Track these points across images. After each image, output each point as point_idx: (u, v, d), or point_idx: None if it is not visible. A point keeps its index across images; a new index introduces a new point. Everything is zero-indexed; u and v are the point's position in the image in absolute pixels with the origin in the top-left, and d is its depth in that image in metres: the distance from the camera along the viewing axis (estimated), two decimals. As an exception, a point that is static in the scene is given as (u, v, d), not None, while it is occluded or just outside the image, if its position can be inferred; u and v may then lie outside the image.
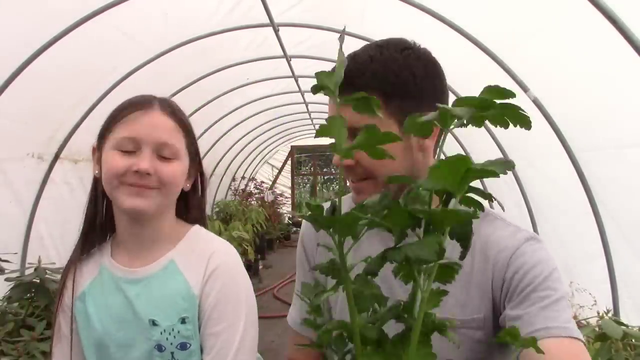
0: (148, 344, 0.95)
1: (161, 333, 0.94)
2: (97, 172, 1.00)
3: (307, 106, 7.20)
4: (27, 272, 2.40)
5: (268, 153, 11.65)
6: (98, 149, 1.00)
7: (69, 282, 1.03)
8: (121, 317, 0.98)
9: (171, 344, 0.94)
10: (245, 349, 0.94)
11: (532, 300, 0.78)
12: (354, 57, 0.85)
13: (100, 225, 1.07)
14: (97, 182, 1.03)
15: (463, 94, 3.84)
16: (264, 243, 8.52)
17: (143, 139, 0.93)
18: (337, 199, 0.51)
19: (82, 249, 1.05)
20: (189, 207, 1.09)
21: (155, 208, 0.96)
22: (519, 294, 0.79)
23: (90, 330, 0.99)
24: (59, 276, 2.42)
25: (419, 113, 0.54)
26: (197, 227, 1.07)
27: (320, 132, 0.49)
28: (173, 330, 0.94)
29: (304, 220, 1.08)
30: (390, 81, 0.82)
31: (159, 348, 0.94)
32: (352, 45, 0.92)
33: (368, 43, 0.90)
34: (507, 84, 3.07)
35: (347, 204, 1.05)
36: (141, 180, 0.93)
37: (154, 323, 0.94)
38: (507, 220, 0.89)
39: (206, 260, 0.97)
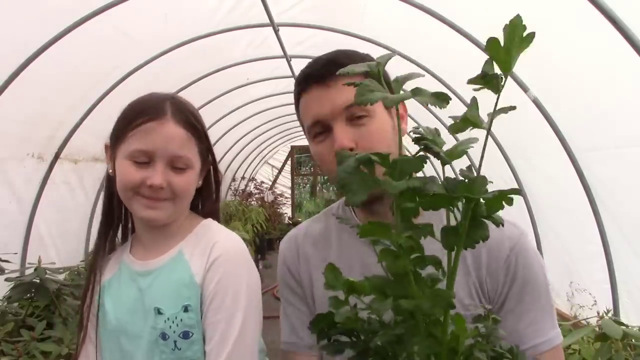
0: (154, 333, 0.96)
1: (165, 321, 0.95)
2: (111, 171, 1.03)
3: (307, 106, 7.19)
4: (27, 272, 2.40)
5: (268, 153, 11.65)
6: (112, 148, 1.02)
7: (91, 278, 1.06)
8: (133, 308, 1.00)
9: (174, 332, 0.95)
10: (244, 340, 0.94)
11: (517, 314, 0.83)
12: (328, 53, 0.93)
13: (118, 222, 1.10)
14: (110, 180, 1.05)
15: (463, 93, 3.86)
16: (264, 243, 8.52)
17: (157, 152, 0.95)
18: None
19: (102, 246, 1.08)
20: (202, 200, 1.11)
21: (168, 217, 1.00)
22: (507, 303, 0.84)
23: (105, 323, 1.02)
24: (59, 276, 2.43)
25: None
26: (208, 220, 1.08)
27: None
28: (176, 318, 0.95)
29: (283, 240, 1.10)
30: (367, 61, 0.88)
31: (163, 336, 0.96)
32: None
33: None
34: (507, 84, 3.07)
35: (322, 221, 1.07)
36: (154, 193, 0.96)
37: (159, 311, 0.96)
38: None
39: (209, 250, 0.99)
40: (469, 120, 0.49)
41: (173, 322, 0.95)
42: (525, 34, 0.45)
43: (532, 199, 3.65)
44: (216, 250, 0.98)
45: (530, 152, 3.50)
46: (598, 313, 2.48)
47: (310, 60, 0.97)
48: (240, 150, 8.44)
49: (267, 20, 3.49)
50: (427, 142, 0.51)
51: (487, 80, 0.47)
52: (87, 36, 2.71)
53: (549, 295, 0.86)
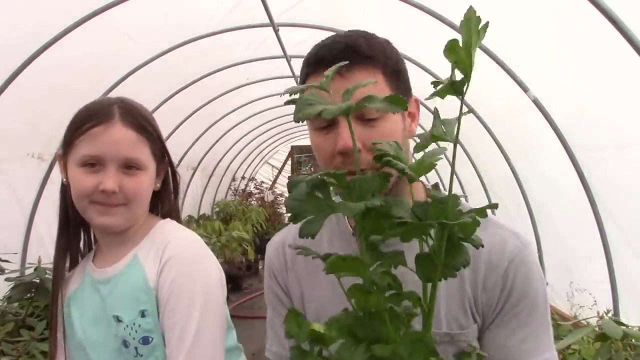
0: (116, 341, 0.95)
1: (124, 328, 0.94)
2: (65, 179, 1.01)
3: (307, 106, 7.18)
4: (27, 272, 2.40)
5: (268, 153, 11.64)
6: (63, 156, 1.00)
7: (55, 291, 1.04)
8: (96, 317, 0.99)
9: (134, 338, 0.94)
10: (202, 341, 0.92)
11: (511, 330, 0.78)
12: (347, 35, 0.82)
13: (76, 232, 1.08)
14: (65, 190, 1.03)
15: (463, 94, 3.85)
16: (264, 243, 8.50)
17: (106, 156, 0.93)
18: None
19: (62, 259, 1.06)
20: (160, 202, 1.09)
21: (124, 222, 0.98)
22: (501, 317, 0.79)
23: (73, 334, 1.01)
24: (59, 276, 2.43)
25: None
26: (164, 221, 1.06)
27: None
28: (135, 324, 0.94)
29: (269, 243, 1.02)
30: (387, 55, 0.83)
31: (125, 344, 0.94)
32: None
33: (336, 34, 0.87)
34: (507, 84, 3.08)
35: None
36: (108, 199, 0.94)
37: (118, 319, 0.95)
38: (491, 220, 0.84)
39: (161, 252, 0.96)
40: (436, 137, 0.46)
41: (132, 328, 0.94)
42: (480, 25, 0.42)
43: (532, 199, 3.65)
44: (168, 251, 0.96)
45: (530, 152, 3.50)
46: (598, 313, 2.48)
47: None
48: (240, 150, 8.43)
49: (267, 21, 3.49)
50: (390, 158, 0.46)
51: (455, 87, 0.44)
52: (87, 36, 2.71)
53: (547, 312, 0.79)
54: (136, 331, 0.93)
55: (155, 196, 1.05)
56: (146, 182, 0.99)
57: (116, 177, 0.94)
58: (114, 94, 3.45)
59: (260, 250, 8.17)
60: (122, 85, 3.37)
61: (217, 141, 6.39)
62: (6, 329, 2.07)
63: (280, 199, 11.06)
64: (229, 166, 8.30)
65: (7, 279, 2.29)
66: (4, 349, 1.97)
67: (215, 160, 7.26)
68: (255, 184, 10.37)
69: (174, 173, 1.11)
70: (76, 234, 1.08)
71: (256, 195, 9.68)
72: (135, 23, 3.03)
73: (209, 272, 0.98)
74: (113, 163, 0.94)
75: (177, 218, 1.09)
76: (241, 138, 7.58)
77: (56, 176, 3.17)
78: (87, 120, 0.95)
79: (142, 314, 0.94)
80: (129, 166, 0.95)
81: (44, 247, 3.12)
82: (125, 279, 0.98)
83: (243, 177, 10.05)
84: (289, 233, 0.99)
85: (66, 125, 0.99)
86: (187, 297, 0.93)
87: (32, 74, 2.56)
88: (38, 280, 2.30)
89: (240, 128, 6.87)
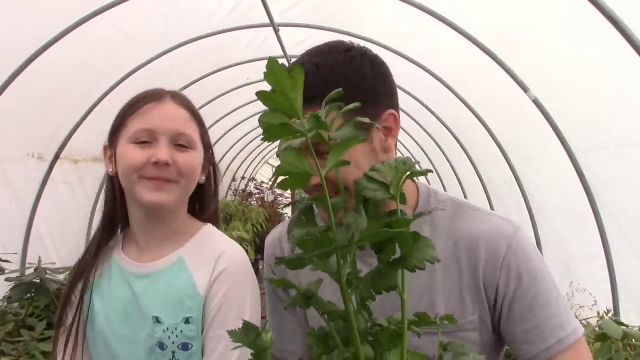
0: (150, 340, 0.94)
1: (164, 331, 0.93)
2: (111, 170, 1.00)
3: (307, 106, 7.19)
4: (27, 272, 2.40)
5: (268, 153, 11.65)
6: (110, 147, 0.99)
7: (84, 277, 1.01)
8: (126, 311, 0.97)
9: (173, 342, 0.93)
10: (247, 356, 0.93)
11: (535, 311, 0.78)
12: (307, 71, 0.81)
13: (119, 224, 1.07)
14: (112, 180, 1.02)
15: (463, 93, 3.86)
16: (264, 243, 8.48)
17: (159, 128, 0.93)
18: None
19: (100, 245, 1.04)
20: (204, 200, 1.08)
21: (174, 201, 0.96)
22: (519, 302, 0.79)
23: (94, 323, 0.99)
24: (59, 276, 2.43)
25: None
26: (209, 225, 1.06)
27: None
28: (176, 329, 0.93)
29: (266, 239, 1.04)
30: (340, 86, 0.80)
31: (161, 346, 0.93)
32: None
33: (309, 50, 0.86)
34: (507, 84, 3.08)
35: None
36: (160, 172, 0.92)
37: (157, 320, 0.94)
38: (480, 209, 0.86)
39: (214, 261, 0.96)
40: None
41: (172, 332, 0.93)
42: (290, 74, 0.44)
43: (532, 199, 3.65)
44: (223, 261, 0.96)
45: (530, 152, 3.50)
46: (598, 313, 2.48)
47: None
48: (240, 150, 8.44)
49: (267, 20, 3.49)
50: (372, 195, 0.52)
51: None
52: (88, 36, 2.71)
53: (557, 287, 0.82)
54: (177, 336, 0.93)
55: (196, 194, 1.04)
56: (197, 160, 0.98)
57: (168, 149, 0.93)
58: (114, 94, 3.47)
59: (260, 250, 8.16)
60: (123, 85, 3.37)
61: (217, 141, 6.39)
62: (6, 329, 2.07)
63: (280, 198, 11.06)
64: (229, 166, 8.31)
65: (7, 279, 2.29)
66: (4, 349, 1.97)
67: (216, 160, 7.26)
68: (255, 184, 10.37)
69: (215, 170, 1.10)
70: (118, 225, 1.07)
71: (256, 195, 9.68)
72: (136, 23, 3.03)
73: (255, 284, 0.99)
74: (165, 137, 0.94)
75: (217, 223, 1.09)
76: (241, 138, 7.58)
77: (56, 176, 3.19)
78: (138, 101, 0.96)
79: (187, 321, 0.93)
80: (180, 142, 0.95)
81: (44, 247, 3.12)
82: (167, 278, 0.96)
83: (243, 177, 10.05)
84: (284, 228, 1.00)
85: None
86: (237, 310, 0.93)
87: (33, 74, 2.55)
88: (38, 280, 2.30)
89: (240, 128, 6.87)
